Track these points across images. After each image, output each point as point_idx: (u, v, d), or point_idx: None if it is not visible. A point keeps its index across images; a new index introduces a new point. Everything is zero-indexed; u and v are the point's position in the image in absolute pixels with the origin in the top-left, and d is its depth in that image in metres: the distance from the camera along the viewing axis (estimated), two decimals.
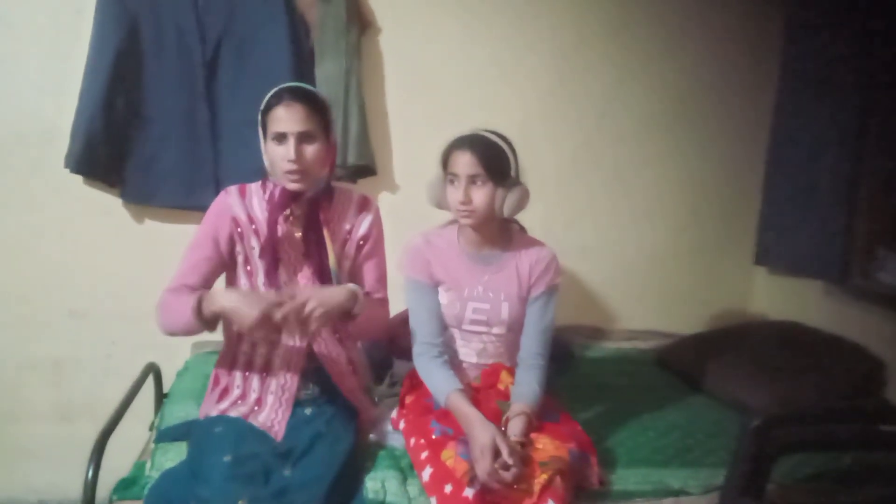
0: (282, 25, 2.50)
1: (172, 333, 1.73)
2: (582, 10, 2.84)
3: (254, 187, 1.83)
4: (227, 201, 1.80)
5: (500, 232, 1.90)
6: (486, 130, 1.81)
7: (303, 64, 2.55)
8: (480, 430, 1.60)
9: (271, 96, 1.71)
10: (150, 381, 2.20)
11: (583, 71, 2.88)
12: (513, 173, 1.79)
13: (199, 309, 1.61)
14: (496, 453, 1.55)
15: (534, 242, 1.93)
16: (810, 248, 2.64)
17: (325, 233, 1.78)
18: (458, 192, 1.76)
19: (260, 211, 1.79)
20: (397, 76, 2.74)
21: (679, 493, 1.77)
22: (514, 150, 1.81)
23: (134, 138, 2.50)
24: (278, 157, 1.69)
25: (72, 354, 2.65)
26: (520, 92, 2.84)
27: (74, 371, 2.66)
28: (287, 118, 1.66)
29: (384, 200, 2.78)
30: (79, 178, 2.52)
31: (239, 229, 1.78)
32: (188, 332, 1.69)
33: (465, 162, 1.75)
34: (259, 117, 1.73)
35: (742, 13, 2.93)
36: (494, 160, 1.76)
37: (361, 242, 1.87)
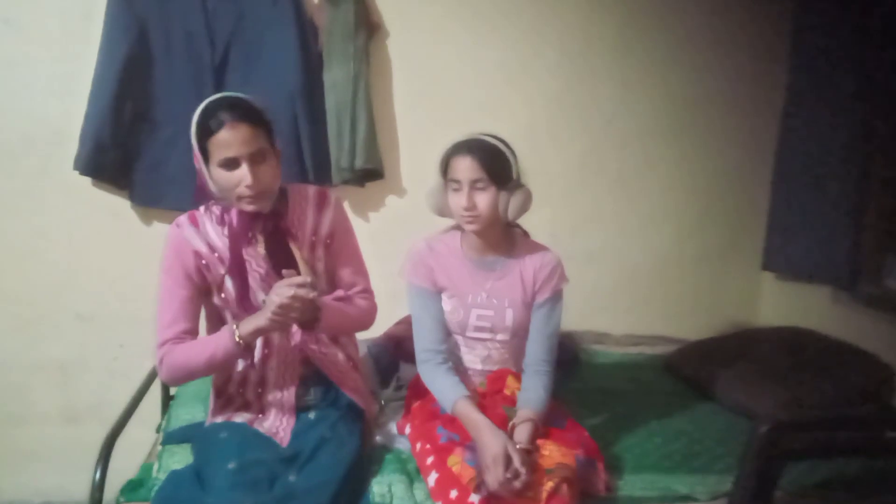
0: (290, 29, 2.51)
1: (190, 378, 1.71)
2: (589, 15, 2.84)
3: (201, 214, 1.72)
4: (183, 235, 1.69)
5: (503, 237, 1.89)
6: (484, 134, 1.80)
7: (311, 68, 2.55)
8: (491, 438, 1.60)
9: (205, 117, 1.55)
10: (156, 383, 2.20)
11: (590, 76, 2.88)
12: (514, 175, 1.78)
13: (234, 336, 1.58)
14: (508, 462, 1.55)
15: (538, 247, 1.92)
16: (818, 254, 2.63)
17: (291, 243, 1.70)
18: (462, 197, 1.74)
19: (217, 237, 1.70)
20: (405, 80, 2.75)
21: (686, 499, 1.76)
22: (513, 153, 1.79)
23: (142, 141, 2.51)
24: (231, 182, 1.57)
25: (79, 357, 2.66)
26: (527, 97, 2.84)
27: (81, 373, 2.67)
28: (235, 142, 1.53)
29: (391, 204, 2.79)
30: (87, 181, 2.53)
31: (203, 261, 1.68)
32: (215, 370, 1.70)
33: (465, 167, 1.73)
34: (193, 140, 1.58)
35: (749, 18, 2.92)
36: (495, 163, 1.74)
37: (328, 241, 1.79)
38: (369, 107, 2.61)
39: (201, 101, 2.45)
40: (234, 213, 1.67)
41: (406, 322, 2.37)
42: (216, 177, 1.59)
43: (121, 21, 2.41)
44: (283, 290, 1.52)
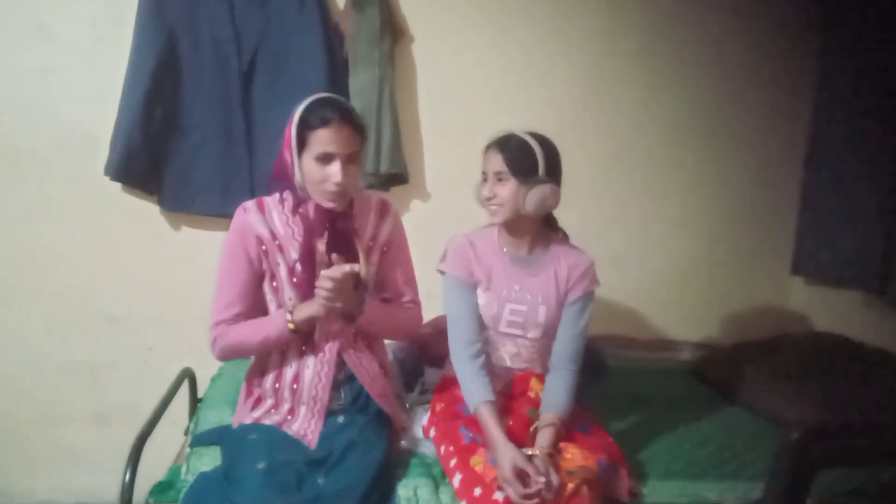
0: (316, 35, 2.53)
1: (242, 356, 1.83)
2: (614, 18, 2.83)
3: (271, 202, 1.80)
4: (248, 220, 1.77)
5: (538, 235, 1.92)
6: (522, 130, 1.85)
7: (337, 73, 2.57)
8: (501, 457, 1.60)
9: (314, 115, 1.66)
10: (185, 386, 2.23)
11: (614, 79, 2.87)
12: (540, 172, 1.79)
13: (287, 320, 1.71)
14: (523, 476, 1.56)
15: (573, 248, 1.95)
16: (849, 258, 2.59)
17: (357, 242, 1.78)
18: (485, 188, 1.84)
19: (281, 226, 1.77)
20: (430, 85, 2.76)
21: None
22: (548, 150, 1.82)
23: (172, 147, 2.54)
24: (321, 176, 1.66)
25: (109, 360, 2.69)
26: (552, 101, 2.83)
27: (111, 376, 2.70)
28: (337, 140, 1.65)
29: (416, 208, 2.79)
30: (118, 186, 2.57)
31: (263, 247, 1.76)
32: (267, 350, 1.81)
33: (491, 160, 1.83)
34: (294, 130, 1.68)
35: (777, 20, 2.89)
36: (518, 158, 1.80)
37: (385, 248, 1.87)
38: (394, 111, 2.62)
39: (229, 107, 2.54)
40: (310, 206, 1.75)
41: (431, 326, 2.37)
42: (307, 168, 1.68)
43: (150, 28, 2.44)
44: (334, 272, 1.62)
